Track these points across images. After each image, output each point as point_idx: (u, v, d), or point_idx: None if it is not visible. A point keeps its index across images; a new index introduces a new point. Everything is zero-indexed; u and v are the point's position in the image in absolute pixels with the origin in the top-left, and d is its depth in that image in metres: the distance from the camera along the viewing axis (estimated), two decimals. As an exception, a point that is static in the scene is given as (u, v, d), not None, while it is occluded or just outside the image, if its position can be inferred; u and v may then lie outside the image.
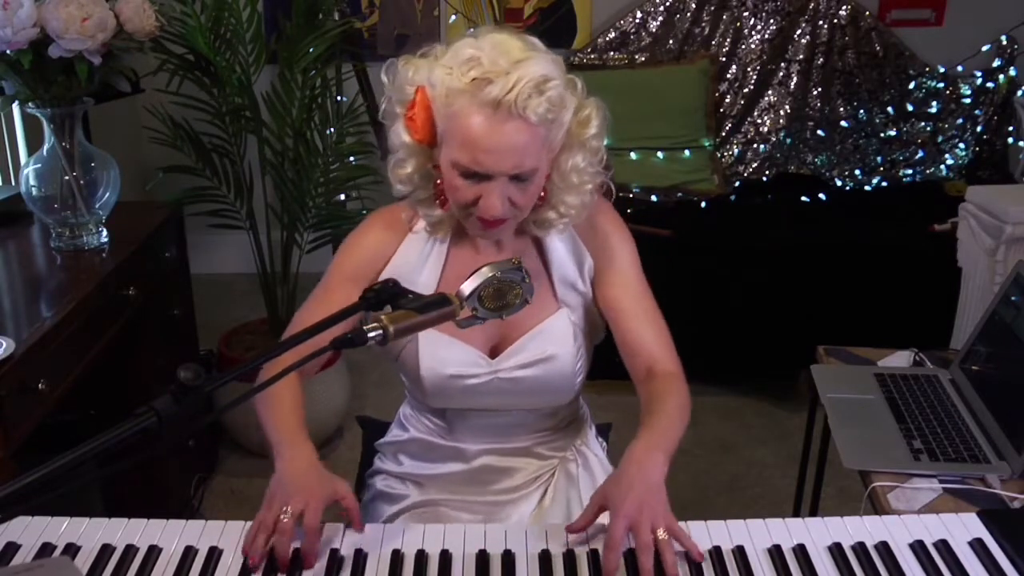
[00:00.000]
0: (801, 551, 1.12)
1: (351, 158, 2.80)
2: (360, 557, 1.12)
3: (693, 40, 3.64)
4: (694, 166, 3.50)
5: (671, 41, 3.63)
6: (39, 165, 1.97)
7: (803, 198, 3.48)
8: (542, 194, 1.27)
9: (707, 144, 3.56)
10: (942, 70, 3.64)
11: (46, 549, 1.12)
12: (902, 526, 1.17)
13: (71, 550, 1.12)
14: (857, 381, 1.72)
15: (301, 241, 2.77)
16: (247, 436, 2.76)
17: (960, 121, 3.67)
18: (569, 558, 1.11)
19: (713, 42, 3.64)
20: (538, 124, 1.16)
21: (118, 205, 2.09)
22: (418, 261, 1.36)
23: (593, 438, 1.54)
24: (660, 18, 3.62)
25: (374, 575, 1.10)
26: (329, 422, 2.81)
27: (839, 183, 3.63)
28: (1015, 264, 1.66)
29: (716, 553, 1.11)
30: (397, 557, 1.12)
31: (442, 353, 1.34)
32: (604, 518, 1.13)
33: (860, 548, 1.12)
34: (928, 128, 3.68)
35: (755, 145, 3.68)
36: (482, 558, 1.12)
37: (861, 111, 3.67)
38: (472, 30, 1.23)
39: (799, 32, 3.63)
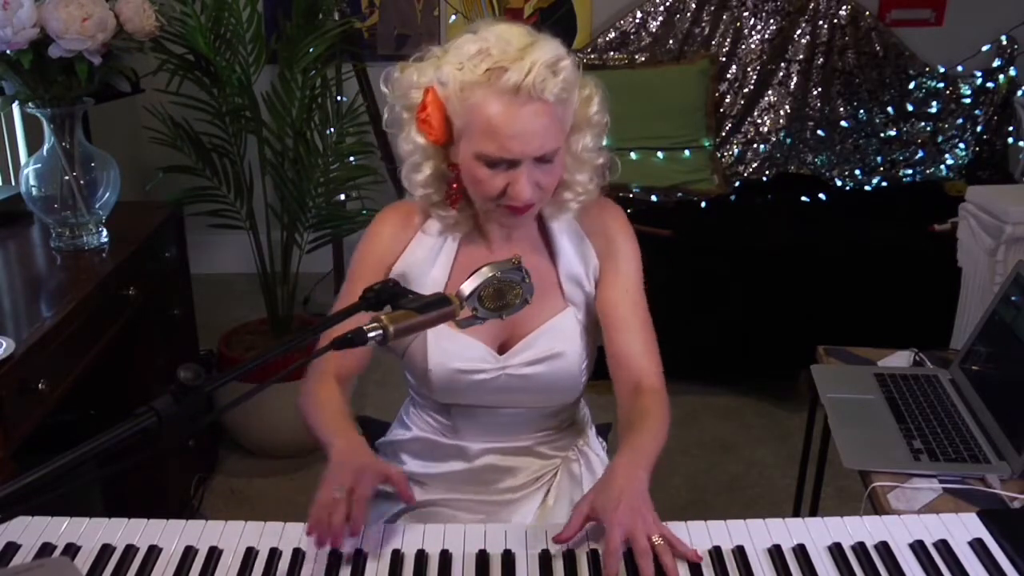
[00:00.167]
0: (801, 551, 1.12)
1: (351, 158, 2.80)
2: (360, 557, 1.12)
3: (693, 40, 3.64)
4: (694, 166, 3.50)
5: (671, 41, 3.63)
6: (39, 165, 1.97)
7: (803, 198, 3.48)
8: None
9: (707, 144, 3.56)
10: (942, 70, 3.63)
11: (46, 549, 1.12)
12: (902, 526, 1.17)
13: (71, 550, 1.12)
14: (857, 381, 1.72)
15: (301, 241, 2.77)
16: (247, 436, 2.76)
17: (960, 121, 3.67)
18: (569, 558, 1.11)
19: (713, 42, 3.64)
20: (555, 104, 1.19)
21: (118, 205, 2.09)
22: (428, 258, 1.37)
23: (594, 438, 1.54)
24: (660, 18, 3.62)
25: (374, 575, 1.10)
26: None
27: (839, 183, 3.63)
28: (1015, 264, 1.66)
29: (716, 553, 1.11)
30: (397, 557, 1.12)
31: (451, 348, 1.35)
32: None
33: (860, 548, 1.12)
34: (928, 128, 3.68)
35: (755, 145, 3.68)
36: (482, 558, 1.12)
37: (861, 111, 3.67)
38: (469, 26, 1.24)
39: (799, 32, 3.63)
